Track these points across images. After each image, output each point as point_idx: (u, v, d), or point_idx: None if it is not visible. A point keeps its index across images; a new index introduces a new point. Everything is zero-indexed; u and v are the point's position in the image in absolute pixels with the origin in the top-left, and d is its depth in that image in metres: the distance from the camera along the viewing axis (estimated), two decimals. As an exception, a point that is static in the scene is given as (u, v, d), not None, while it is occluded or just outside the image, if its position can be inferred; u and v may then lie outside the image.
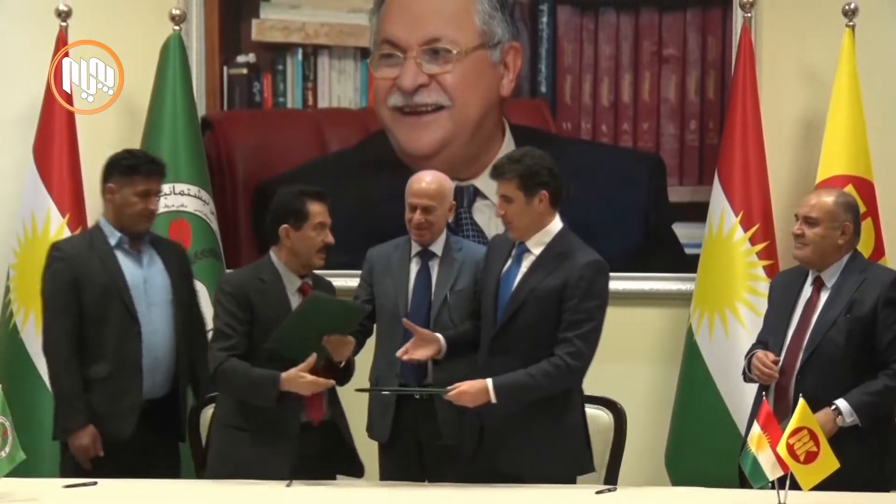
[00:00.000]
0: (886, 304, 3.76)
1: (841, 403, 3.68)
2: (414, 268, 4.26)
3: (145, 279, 4.18)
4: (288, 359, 3.83)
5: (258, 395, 3.85)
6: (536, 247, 3.79)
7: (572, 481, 3.80)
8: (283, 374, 3.80)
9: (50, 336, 4.16)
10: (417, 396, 4.07)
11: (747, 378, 3.95)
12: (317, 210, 3.96)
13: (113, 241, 4.17)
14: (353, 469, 4.04)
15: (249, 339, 3.91)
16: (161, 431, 4.15)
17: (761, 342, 3.95)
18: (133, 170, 4.16)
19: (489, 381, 3.67)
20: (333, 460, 4.00)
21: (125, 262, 4.16)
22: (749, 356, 3.93)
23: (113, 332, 4.10)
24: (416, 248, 4.30)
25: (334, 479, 3.95)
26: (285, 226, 3.96)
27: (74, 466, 4.08)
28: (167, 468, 4.04)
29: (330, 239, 3.98)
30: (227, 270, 4.83)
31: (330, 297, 4.05)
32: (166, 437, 4.19)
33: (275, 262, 3.99)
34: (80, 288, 4.11)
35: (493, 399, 3.66)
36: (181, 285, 4.25)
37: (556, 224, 3.82)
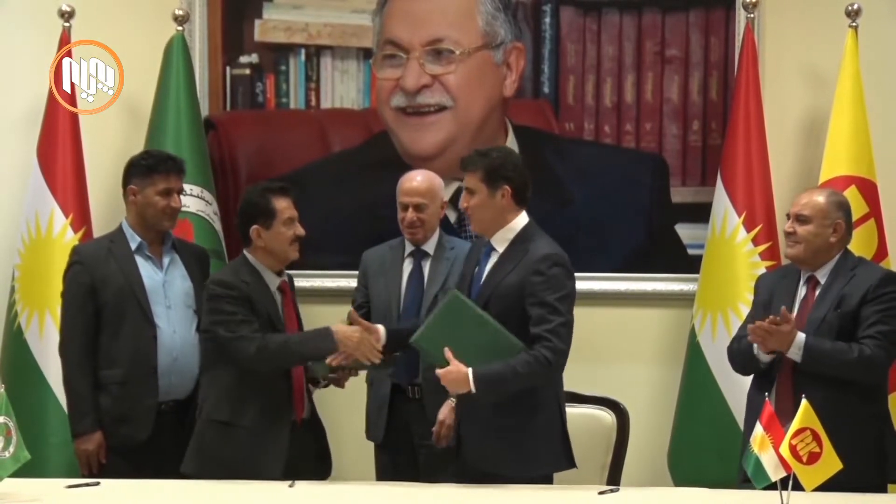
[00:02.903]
0: (871, 300, 3.78)
1: (800, 336, 3.71)
2: (407, 267, 4.31)
3: (165, 282, 4.21)
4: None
5: (316, 351, 3.88)
6: (500, 244, 3.82)
7: (549, 479, 3.80)
8: (335, 327, 3.85)
9: (65, 338, 4.19)
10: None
11: (744, 358, 3.94)
12: (283, 205, 3.97)
13: (133, 246, 4.21)
14: (326, 468, 4.07)
15: None
16: (181, 434, 4.15)
17: (741, 337, 3.95)
18: (152, 169, 4.21)
19: (470, 371, 3.68)
20: (319, 458, 4.03)
21: (144, 266, 4.21)
22: (738, 344, 3.95)
23: (128, 336, 4.13)
24: (409, 248, 4.34)
25: (324, 478, 3.97)
26: (255, 226, 3.96)
27: (99, 465, 4.11)
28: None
29: (300, 231, 3.99)
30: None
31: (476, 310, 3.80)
32: (185, 440, 4.20)
33: (253, 263, 4.00)
34: (97, 291, 4.15)
35: (473, 388, 3.67)
36: (202, 289, 4.26)
37: (521, 221, 3.83)
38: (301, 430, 3.95)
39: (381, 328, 3.94)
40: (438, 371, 3.71)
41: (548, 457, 3.78)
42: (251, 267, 3.99)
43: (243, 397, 3.88)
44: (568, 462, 3.82)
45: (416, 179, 4.36)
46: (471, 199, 3.81)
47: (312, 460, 3.98)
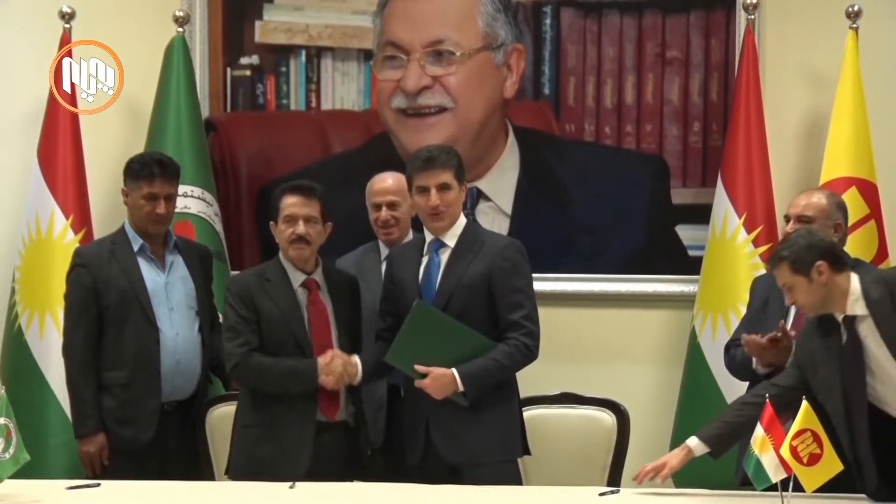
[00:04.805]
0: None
1: None
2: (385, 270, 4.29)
3: (167, 284, 4.21)
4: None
5: (296, 385, 3.86)
6: (451, 239, 3.86)
7: (514, 464, 3.87)
8: (321, 362, 3.83)
9: (68, 341, 4.19)
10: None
11: (741, 370, 3.94)
12: (287, 202, 3.95)
13: (136, 247, 4.21)
14: (364, 473, 4.05)
15: (259, 336, 3.92)
16: (183, 435, 4.18)
17: (737, 341, 3.95)
18: (137, 173, 4.20)
19: (454, 371, 3.72)
20: (352, 462, 4.01)
21: (146, 268, 4.20)
22: (735, 352, 3.94)
23: (131, 338, 4.13)
24: (385, 252, 4.33)
25: (351, 481, 3.96)
26: (272, 222, 4.00)
27: (102, 466, 4.12)
28: (187, 471, 4.06)
29: (300, 230, 3.92)
30: (232, 272, 4.84)
31: (438, 311, 3.81)
32: (188, 440, 4.21)
33: (281, 260, 4.01)
34: (99, 293, 4.15)
35: (461, 387, 3.71)
36: (204, 290, 4.28)
37: (463, 216, 3.92)
38: (334, 432, 3.93)
39: (356, 359, 3.91)
40: (419, 382, 3.74)
41: (516, 443, 3.85)
42: (279, 265, 4.00)
43: (265, 400, 3.88)
44: (525, 449, 3.91)
45: (388, 180, 4.40)
46: (445, 195, 3.82)
47: (344, 463, 3.96)
